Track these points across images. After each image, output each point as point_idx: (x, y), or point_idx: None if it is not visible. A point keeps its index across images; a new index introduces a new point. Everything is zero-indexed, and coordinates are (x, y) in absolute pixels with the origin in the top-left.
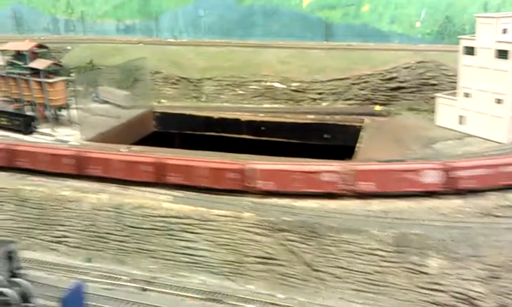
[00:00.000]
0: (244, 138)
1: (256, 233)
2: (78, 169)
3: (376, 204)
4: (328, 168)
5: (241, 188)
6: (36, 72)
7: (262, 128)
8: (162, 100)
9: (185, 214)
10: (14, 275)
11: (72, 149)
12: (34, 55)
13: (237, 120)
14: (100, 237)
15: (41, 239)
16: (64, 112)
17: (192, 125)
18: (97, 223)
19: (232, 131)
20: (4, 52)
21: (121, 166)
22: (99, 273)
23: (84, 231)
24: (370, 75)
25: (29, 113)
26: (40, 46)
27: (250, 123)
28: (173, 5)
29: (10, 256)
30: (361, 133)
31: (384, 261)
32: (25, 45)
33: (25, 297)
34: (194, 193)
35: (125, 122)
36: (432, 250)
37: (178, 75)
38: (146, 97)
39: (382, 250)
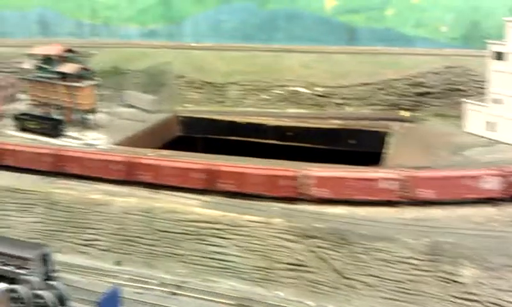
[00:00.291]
0: (269, 143)
1: (287, 240)
2: (127, 175)
3: (408, 212)
4: (386, 175)
5: (295, 196)
6: (64, 76)
7: (288, 133)
8: (186, 105)
9: (216, 219)
10: (49, 278)
11: (122, 155)
12: (63, 60)
13: (262, 125)
14: (129, 241)
15: (70, 242)
16: (91, 116)
17: (216, 129)
18: (127, 227)
19: (256, 136)
20: (32, 56)
21: (173, 173)
22: (129, 276)
23: (113, 234)
24: (396, 80)
25: (56, 117)
26: (68, 50)
27: (275, 128)
28: (195, 10)
29: (45, 259)
30: (388, 139)
31: (417, 269)
32: (53, 49)
33: (61, 300)
34: (224, 198)
35: (150, 126)
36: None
37: (202, 79)
38: (170, 101)
39: (415, 258)
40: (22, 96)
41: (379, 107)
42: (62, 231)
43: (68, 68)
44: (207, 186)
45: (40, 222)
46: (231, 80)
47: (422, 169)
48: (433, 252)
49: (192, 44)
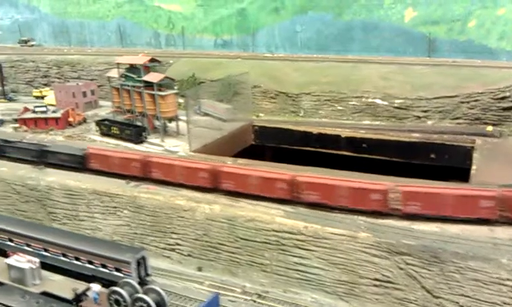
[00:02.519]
0: (344, 155)
1: (373, 255)
2: (212, 182)
3: (503, 232)
4: (483, 193)
5: (383, 210)
6: (149, 85)
7: (364, 145)
8: (261, 114)
9: (299, 230)
10: (144, 281)
11: (208, 163)
12: (146, 69)
13: (337, 136)
14: (212, 247)
15: (155, 246)
16: (173, 124)
17: (290, 139)
18: (210, 233)
19: (331, 147)
20: (119, 65)
21: (256, 182)
22: (211, 283)
23: (196, 240)
24: (480, 93)
25: (139, 123)
26: (153, 60)
27: (351, 139)
28: (270, 21)
29: (142, 263)
30: (474, 155)
31: None
32: (139, 59)
33: (159, 305)
34: (305, 209)
35: (226, 134)
36: None
37: (277, 89)
38: (246, 111)
39: None
40: (102, 102)
41: (462, 121)
42: (147, 235)
43: (153, 77)
44: (289, 196)
45: (125, 225)
46: (306, 90)
47: None
48: None
49: (267, 54)
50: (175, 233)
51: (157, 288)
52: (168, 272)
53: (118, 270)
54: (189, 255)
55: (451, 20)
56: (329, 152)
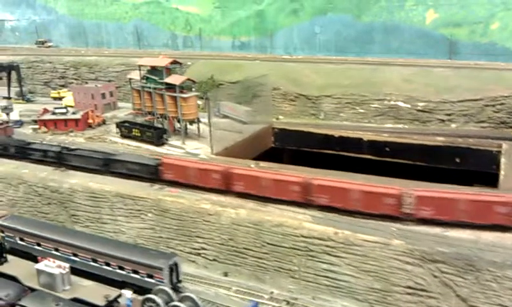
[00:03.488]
0: (366, 158)
1: (407, 262)
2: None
3: None
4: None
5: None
6: (170, 87)
7: (386, 148)
8: (280, 117)
9: (328, 236)
10: (176, 289)
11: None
12: (167, 71)
13: (359, 139)
14: (238, 252)
15: (180, 250)
16: (193, 126)
17: (310, 142)
18: (236, 238)
19: (352, 150)
20: (141, 66)
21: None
22: (238, 289)
23: (222, 244)
24: (506, 96)
25: (159, 125)
26: (174, 62)
27: (373, 142)
28: (288, 22)
29: (174, 269)
30: (502, 160)
31: None
32: (160, 61)
33: None
34: (333, 214)
35: (247, 137)
36: None
37: (296, 91)
38: (266, 113)
39: None
40: (121, 104)
41: (487, 125)
42: (172, 239)
43: (175, 79)
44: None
45: (150, 228)
46: (326, 93)
47: None
48: None
49: (285, 56)
50: (201, 237)
51: (193, 296)
52: (194, 277)
53: (150, 276)
54: (214, 260)
55: (473, 22)
56: (350, 155)
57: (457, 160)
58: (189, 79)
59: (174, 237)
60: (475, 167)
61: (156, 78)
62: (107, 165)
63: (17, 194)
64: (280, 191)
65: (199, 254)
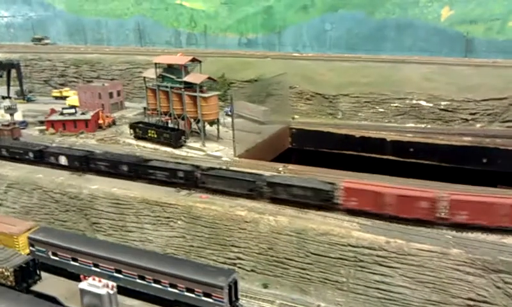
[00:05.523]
0: (389, 159)
1: (467, 272)
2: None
3: None
4: None
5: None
6: (189, 86)
7: (411, 149)
8: (296, 116)
9: (380, 245)
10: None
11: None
12: (185, 69)
13: (381, 140)
14: (278, 262)
15: (213, 260)
16: (213, 127)
17: (329, 142)
18: (276, 247)
19: (374, 151)
20: (157, 65)
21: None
22: (282, 302)
23: (260, 254)
24: None
25: (176, 126)
26: (194, 59)
27: (397, 143)
28: (298, 19)
29: (232, 287)
30: None
31: None
32: (179, 59)
33: None
34: (381, 222)
35: (266, 138)
36: None
37: (312, 90)
38: (284, 113)
39: None
40: (127, 103)
41: None
42: (204, 248)
43: (195, 78)
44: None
45: (180, 237)
46: (343, 91)
47: None
48: None
49: (294, 54)
50: (236, 246)
51: None
52: None
53: (207, 295)
54: (252, 270)
55: (490, 19)
56: (372, 156)
57: (484, 160)
58: (209, 78)
59: (206, 246)
60: (503, 168)
61: (174, 76)
62: (267, 190)
63: (31, 200)
64: None
65: (234, 264)
